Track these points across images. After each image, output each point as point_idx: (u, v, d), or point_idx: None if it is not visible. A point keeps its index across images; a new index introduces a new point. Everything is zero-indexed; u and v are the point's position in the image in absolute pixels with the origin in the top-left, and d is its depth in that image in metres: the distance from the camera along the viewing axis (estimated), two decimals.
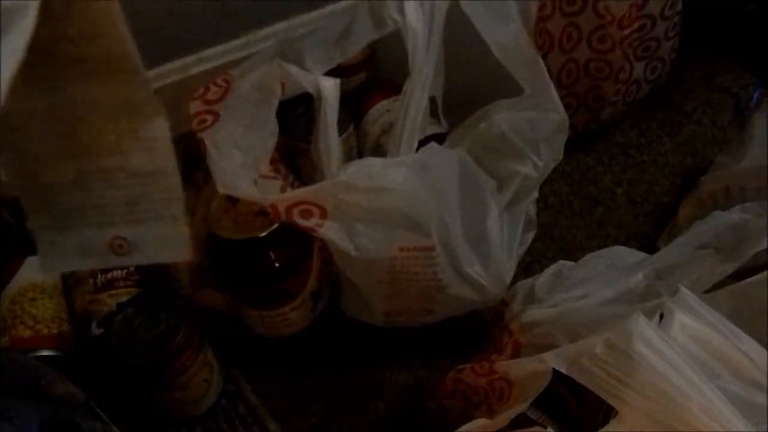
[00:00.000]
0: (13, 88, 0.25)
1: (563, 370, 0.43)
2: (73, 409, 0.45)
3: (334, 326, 0.70)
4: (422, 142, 0.61)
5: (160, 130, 0.35)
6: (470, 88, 0.67)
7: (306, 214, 0.56)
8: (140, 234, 0.37)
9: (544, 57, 0.72)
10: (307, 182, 0.69)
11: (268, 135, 0.59)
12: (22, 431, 0.40)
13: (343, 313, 0.69)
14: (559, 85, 0.77)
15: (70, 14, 0.31)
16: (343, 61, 0.61)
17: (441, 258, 0.60)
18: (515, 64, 0.60)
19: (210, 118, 0.59)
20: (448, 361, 0.66)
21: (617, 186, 0.83)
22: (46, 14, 0.26)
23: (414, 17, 0.57)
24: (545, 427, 0.50)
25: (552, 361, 0.44)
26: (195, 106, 0.60)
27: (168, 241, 0.38)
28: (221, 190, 0.56)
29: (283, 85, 0.59)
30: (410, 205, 0.57)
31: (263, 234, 0.60)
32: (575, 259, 0.61)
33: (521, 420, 0.49)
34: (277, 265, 0.63)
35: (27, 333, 0.62)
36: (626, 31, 0.76)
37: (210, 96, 0.61)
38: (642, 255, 0.59)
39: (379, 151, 0.71)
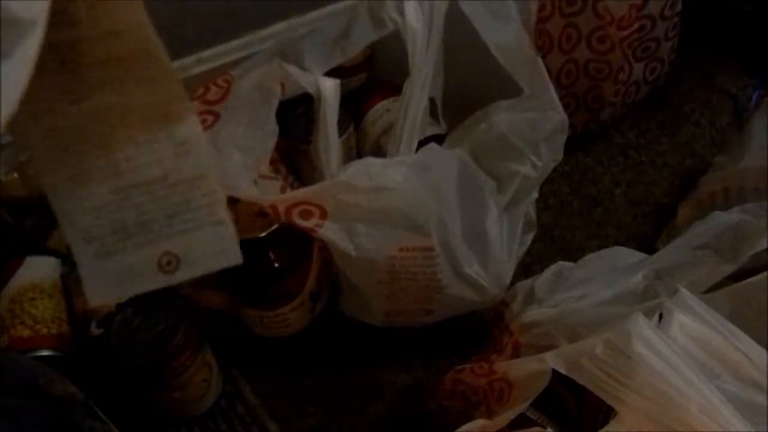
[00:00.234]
0: (46, 104, 0.24)
1: (563, 371, 0.43)
2: (73, 409, 0.44)
3: (333, 326, 0.70)
4: (422, 143, 0.61)
5: (194, 131, 0.34)
6: (470, 89, 0.67)
7: (306, 215, 0.56)
8: (187, 246, 0.35)
9: (544, 57, 0.72)
10: (307, 183, 0.69)
11: (268, 135, 0.59)
12: (21, 431, 0.40)
13: (343, 314, 0.69)
14: (558, 85, 0.77)
15: (95, 15, 0.30)
16: (343, 61, 0.61)
17: (440, 258, 0.60)
18: (514, 65, 0.60)
19: (210, 118, 0.60)
20: (447, 362, 0.66)
21: (616, 186, 0.83)
22: (66, 20, 0.26)
23: (413, 17, 0.57)
24: (545, 428, 0.50)
25: (552, 361, 0.44)
26: (195, 107, 0.61)
27: (216, 247, 0.36)
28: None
29: (283, 85, 0.59)
30: (410, 205, 0.57)
31: (263, 234, 0.60)
32: (575, 260, 0.61)
33: (521, 420, 0.49)
34: (276, 265, 0.63)
35: (26, 333, 0.62)
36: (626, 32, 0.76)
37: (210, 96, 0.61)
38: (641, 255, 0.59)
39: (379, 151, 0.71)
